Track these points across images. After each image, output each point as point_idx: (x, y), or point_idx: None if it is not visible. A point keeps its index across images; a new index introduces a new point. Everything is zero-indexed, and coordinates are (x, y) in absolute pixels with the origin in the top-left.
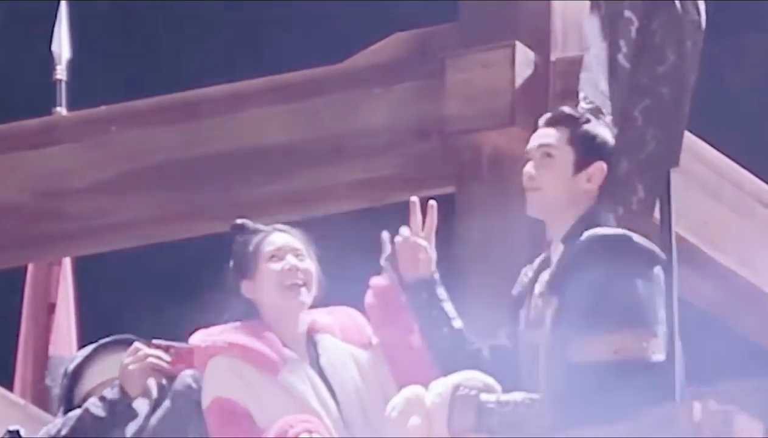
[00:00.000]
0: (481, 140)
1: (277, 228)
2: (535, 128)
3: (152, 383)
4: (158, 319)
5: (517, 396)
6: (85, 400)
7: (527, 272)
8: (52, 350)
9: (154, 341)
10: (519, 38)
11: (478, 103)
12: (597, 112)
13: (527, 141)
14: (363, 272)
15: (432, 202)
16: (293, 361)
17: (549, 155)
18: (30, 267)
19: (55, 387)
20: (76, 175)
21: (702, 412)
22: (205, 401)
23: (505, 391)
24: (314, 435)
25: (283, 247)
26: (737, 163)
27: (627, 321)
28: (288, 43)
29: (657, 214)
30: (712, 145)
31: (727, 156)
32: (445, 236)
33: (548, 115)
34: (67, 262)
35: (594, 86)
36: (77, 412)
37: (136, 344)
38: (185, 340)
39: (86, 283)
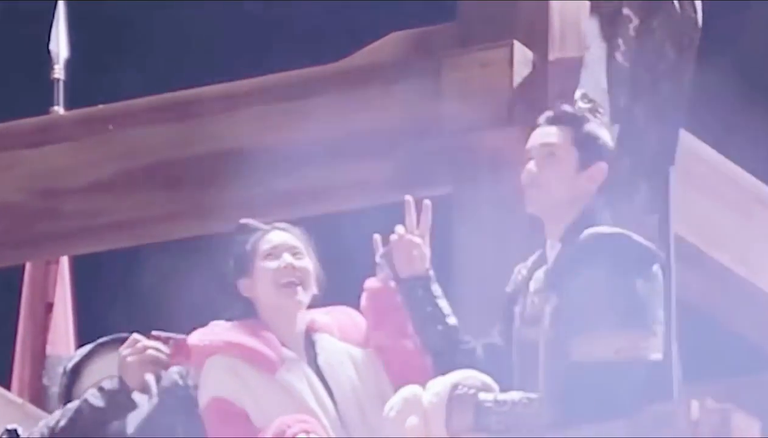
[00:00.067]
0: (479, 140)
1: (277, 226)
2: (533, 128)
3: (151, 378)
4: (156, 318)
5: (515, 395)
6: None
7: (521, 270)
8: (50, 349)
9: (154, 333)
10: (517, 38)
11: (475, 103)
12: (594, 111)
13: (525, 141)
14: (360, 272)
15: (427, 201)
16: (291, 360)
17: (552, 154)
18: (27, 266)
19: (53, 386)
20: (74, 174)
21: (699, 410)
22: (203, 401)
23: (499, 389)
24: (312, 435)
25: (280, 245)
26: (736, 162)
27: (627, 321)
28: (287, 43)
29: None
30: (710, 145)
31: (726, 156)
32: (442, 236)
33: (549, 113)
34: (64, 261)
35: (595, 84)
36: (76, 403)
37: (135, 336)
38: None
39: (84, 282)
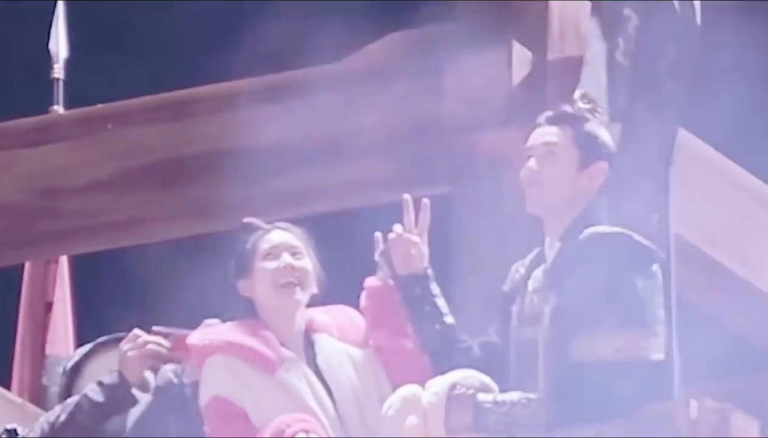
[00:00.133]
0: (478, 140)
1: (278, 226)
2: (532, 128)
3: (150, 376)
4: (155, 318)
5: (513, 395)
6: None
7: (518, 269)
8: (49, 349)
9: (154, 328)
10: (516, 38)
11: (475, 103)
12: (593, 111)
13: (524, 141)
14: (358, 272)
15: (425, 200)
16: (290, 360)
17: (553, 153)
18: (27, 265)
19: (52, 386)
20: (73, 173)
21: (698, 410)
22: (203, 400)
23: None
24: (311, 435)
25: (279, 245)
26: (736, 162)
27: (628, 320)
28: (285, 42)
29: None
30: (709, 144)
31: (726, 155)
32: (441, 235)
33: (549, 113)
34: (63, 261)
35: (596, 83)
36: (75, 398)
37: (136, 331)
38: None
39: (83, 281)
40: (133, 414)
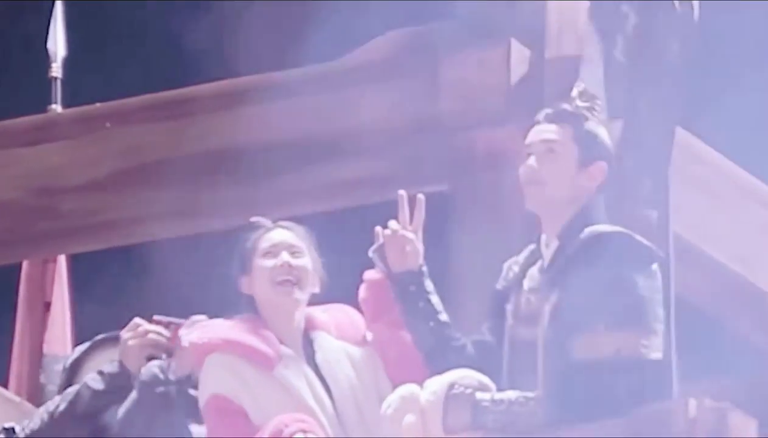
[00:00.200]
0: (476, 138)
1: (280, 225)
2: (530, 126)
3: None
4: (153, 317)
5: (511, 394)
6: None
7: (512, 267)
8: (47, 348)
9: (155, 317)
10: (514, 36)
11: (472, 101)
12: (591, 109)
13: (522, 138)
14: (355, 270)
15: (420, 196)
16: (289, 358)
17: (553, 151)
18: (25, 264)
19: (50, 384)
20: (71, 172)
21: (697, 409)
22: (202, 398)
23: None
24: (309, 435)
25: (279, 243)
26: (733, 160)
27: (629, 319)
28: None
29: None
30: (707, 143)
31: (723, 154)
32: (439, 234)
33: (549, 110)
34: (62, 260)
35: (596, 80)
36: (75, 387)
37: (137, 320)
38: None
39: (81, 280)
40: (120, 410)
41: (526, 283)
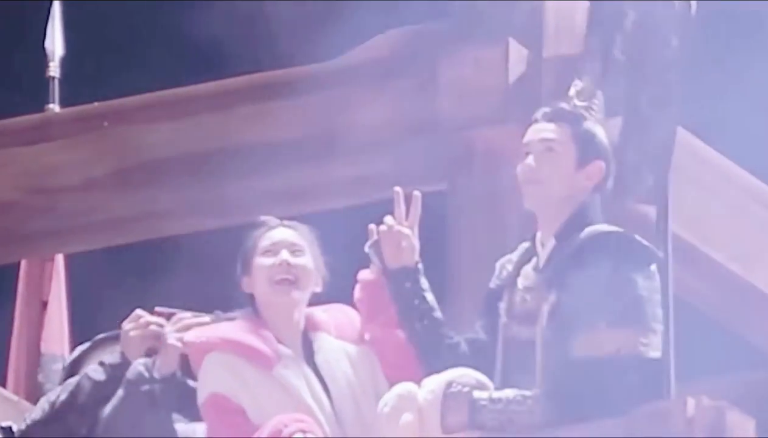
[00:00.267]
0: (474, 137)
1: (283, 224)
2: (528, 125)
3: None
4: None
5: (509, 393)
6: None
7: (505, 265)
8: (45, 347)
9: (157, 309)
10: (512, 35)
11: (470, 100)
12: (589, 109)
13: (520, 138)
14: (354, 269)
15: (416, 193)
16: (287, 357)
17: (551, 150)
18: (23, 264)
19: (48, 383)
20: (69, 171)
21: (695, 408)
22: (201, 397)
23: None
24: (308, 435)
25: (279, 242)
26: (731, 159)
27: (629, 318)
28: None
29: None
30: (706, 142)
31: (721, 153)
32: (437, 232)
33: (547, 109)
34: (59, 259)
35: (593, 80)
36: (76, 378)
37: (138, 311)
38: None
39: (78, 279)
40: (106, 408)
41: (521, 282)
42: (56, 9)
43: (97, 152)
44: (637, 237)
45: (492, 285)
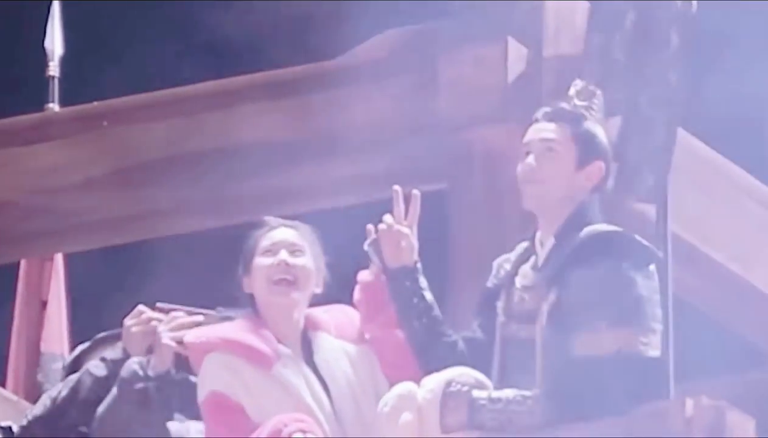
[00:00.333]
0: (473, 136)
1: (284, 224)
2: (528, 124)
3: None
4: None
5: (509, 392)
6: None
7: (503, 264)
8: (44, 346)
9: (158, 304)
10: (512, 34)
11: (470, 100)
12: (589, 108)
13: (520, 137)
14: (353, 269)
15: (415, 192)
16: (287, 357)
17: (551, 149)
18: (22, 263)
19: (47, 383)
20: (69, 171)
21: (694, 407)
22: (200, 396)
23: None
24: (308, 434)
25: (279, 242)
26: (730, 159)
27: (630, 317)
28: (282, 41)
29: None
30: (704, 142)
31: (720, 152)
32: (436, 232)
33: (547, 109)
34: (59, 259)
35: (592, 79)
36: (77, 374)
37: (140, 307)
38: None
39: (78, 279)
40: (100, 406)
41: (519, 281)
42: (56, 9)
43: (96, 152)
44: (637, 237)
45: (489, 284)
